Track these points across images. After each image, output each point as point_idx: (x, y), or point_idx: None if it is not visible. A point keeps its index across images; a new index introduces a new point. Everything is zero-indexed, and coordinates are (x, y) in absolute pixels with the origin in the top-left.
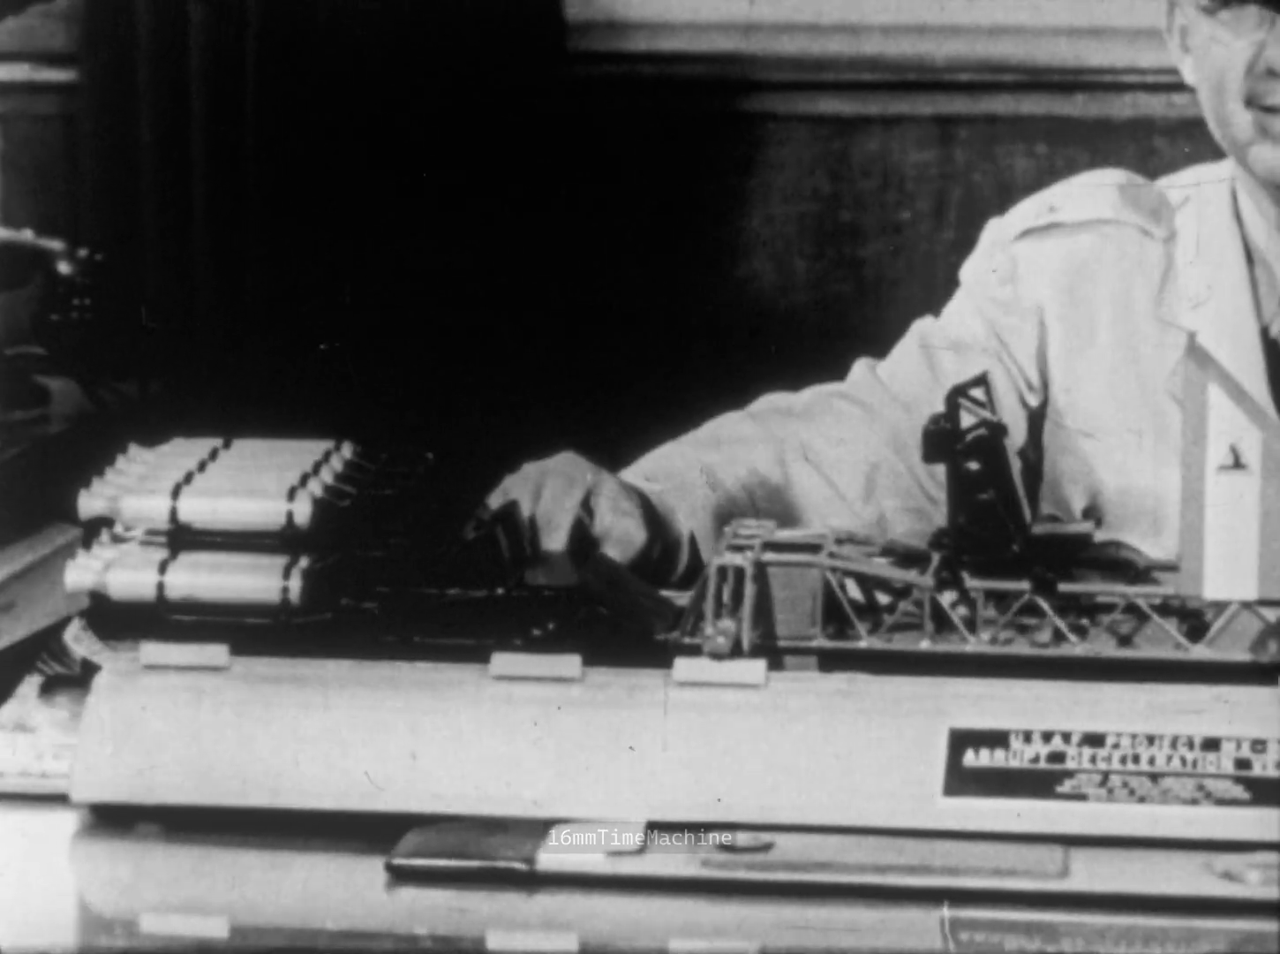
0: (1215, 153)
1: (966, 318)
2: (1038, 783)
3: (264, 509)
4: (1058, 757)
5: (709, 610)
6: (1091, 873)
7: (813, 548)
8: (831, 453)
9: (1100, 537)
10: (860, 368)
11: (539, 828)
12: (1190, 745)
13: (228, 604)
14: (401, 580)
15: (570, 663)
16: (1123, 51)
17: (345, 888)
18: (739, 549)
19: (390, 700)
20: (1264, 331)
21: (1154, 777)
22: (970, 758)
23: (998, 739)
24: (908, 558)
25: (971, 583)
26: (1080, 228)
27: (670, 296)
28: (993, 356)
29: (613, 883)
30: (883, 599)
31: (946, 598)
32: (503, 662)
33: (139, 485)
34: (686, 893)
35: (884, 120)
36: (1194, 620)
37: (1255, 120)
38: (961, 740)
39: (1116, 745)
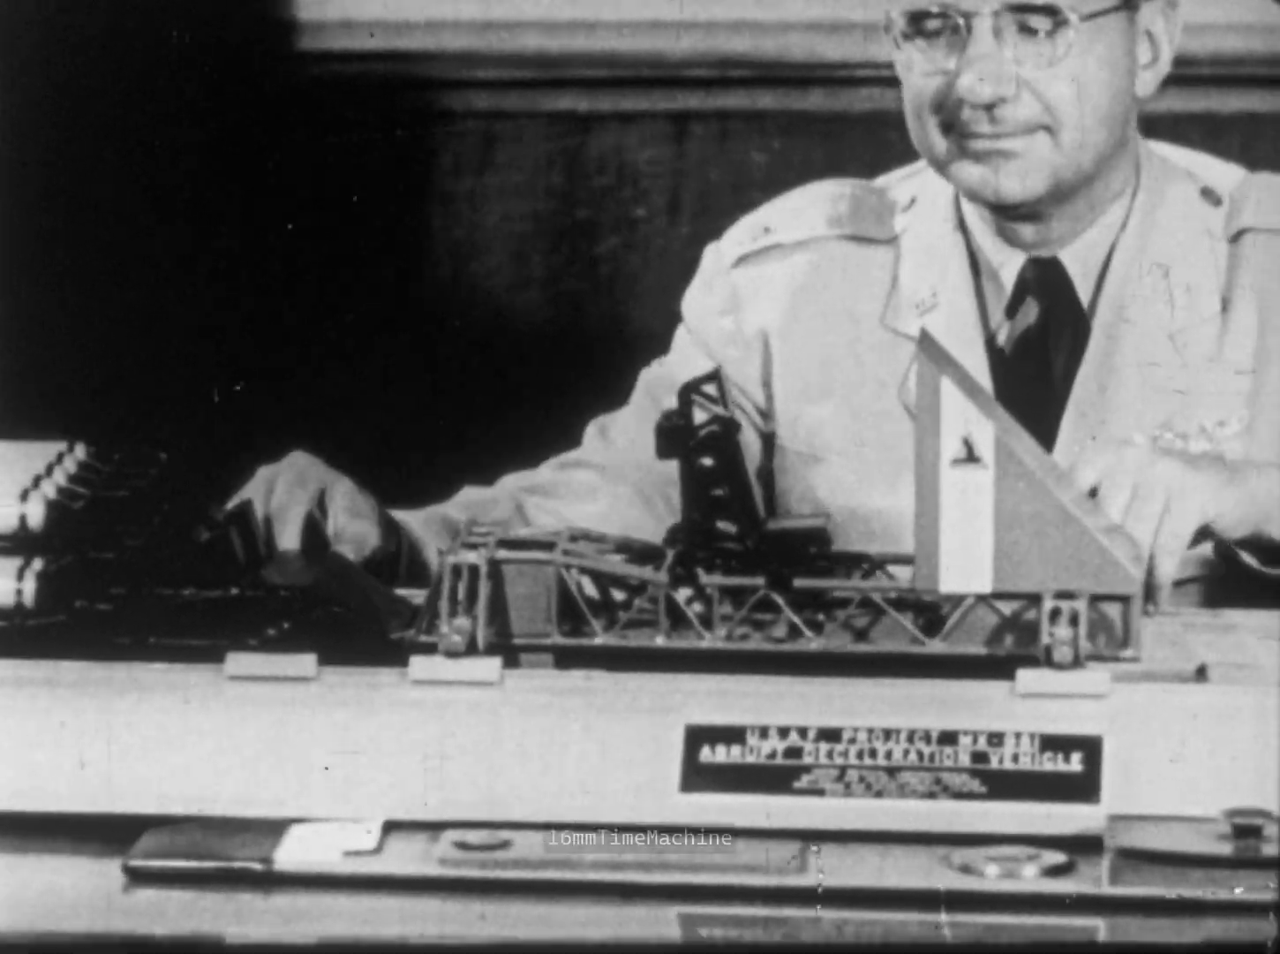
0: None
1: (690, 357)
2: (775, 778)
3: None
4: (794, 752)
5: (444, 608)
6: (829, 868)
7: (547, 546)
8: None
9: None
10: (593, 431)
11: (276, 828)
12: (927, 739)
13: None
14: (136, 581)
15: (305, 662)
16: (857, 46)
17: (83, 890)
18: (473, 546)
19: (125, 701)
20: (990, 340)
21: (891, 771)
22: (707, 754)
23: (734, 735)
24: (642, 555)
25: (706, 579)
26: (797, 247)
27: (406, 295)
28: None
29: (350, 882)
30: (619, 596)
31: (682, 594)
32: (237, 662)
33: None
34: (424, 891)
35: (618, 117)
36: (930, 614)
37: (953, 142)
38: (697, 736)
39: (853, 740)
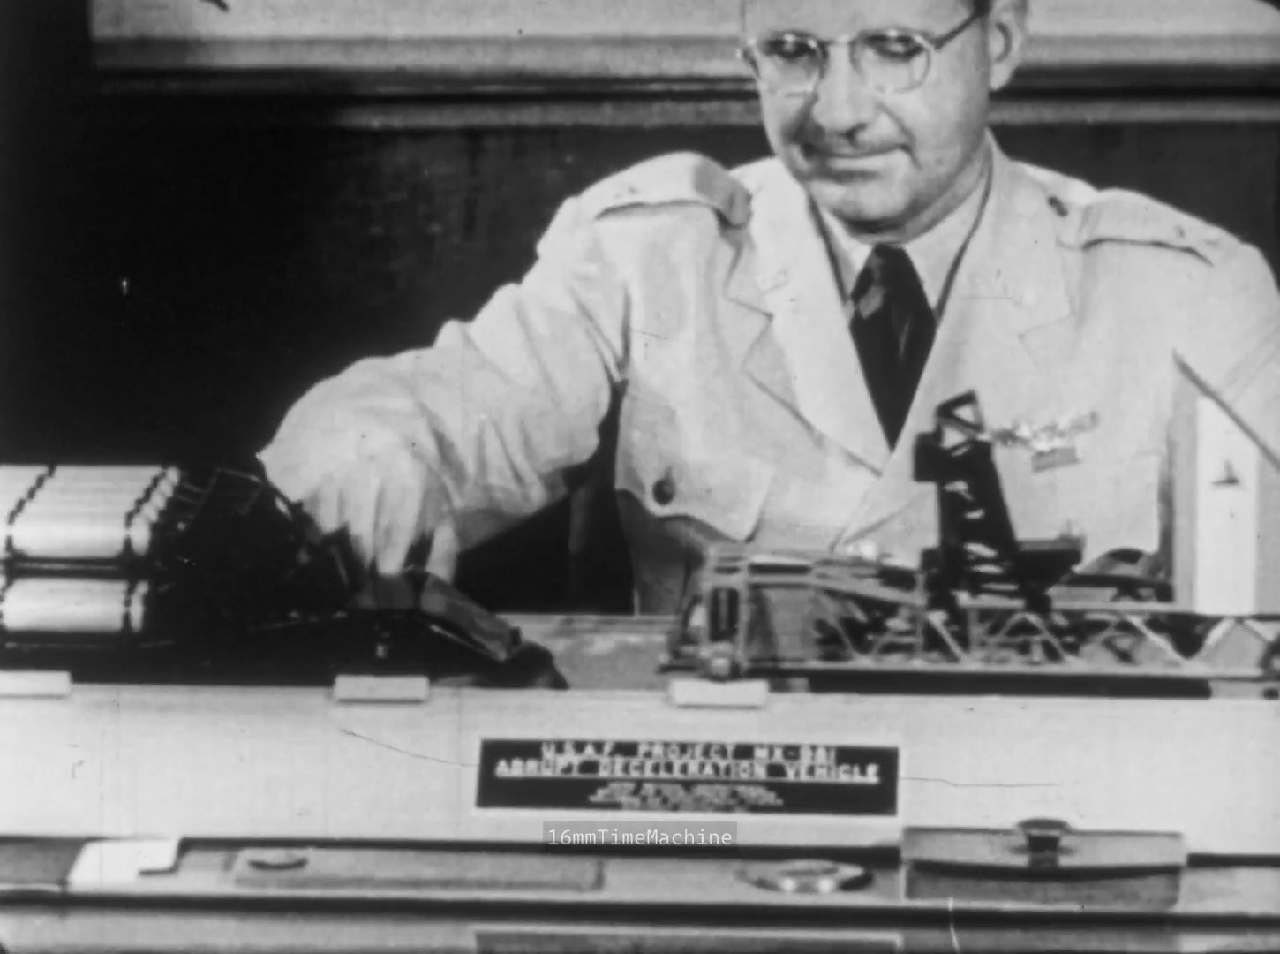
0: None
1: (553, 287)
2: (571, 793)
3: (101, 535)
4: (590, 766)
5: (704, 633)
6: (626, 883)
7: (799, 569)
8: (448, 423)
9: (672, 511)
10: (451, 332)
11: (72, 847)
12: (723, 753)
13: (68, 632)
14: (242, 605)
15: (416, 685)
16: (650, 60)
17: None
18: (726, 571)
19: None
20: (857, 316)
21: (687, 785)
22: (503, 768)
23: (530, 750)
24: (894, 577)
25: (965, 601)
26: (661, 208)
27: (203, 312)
28: (582, 327)
29: (146, 902)
30: (871, 617)
31: (936, 617)
32: (348, 685)
33: None
34: (220, 911)
35: (412, 133)
36: (1187, 636)
37: (815, 162)
38: (494, 751)
39: (649, 754)
